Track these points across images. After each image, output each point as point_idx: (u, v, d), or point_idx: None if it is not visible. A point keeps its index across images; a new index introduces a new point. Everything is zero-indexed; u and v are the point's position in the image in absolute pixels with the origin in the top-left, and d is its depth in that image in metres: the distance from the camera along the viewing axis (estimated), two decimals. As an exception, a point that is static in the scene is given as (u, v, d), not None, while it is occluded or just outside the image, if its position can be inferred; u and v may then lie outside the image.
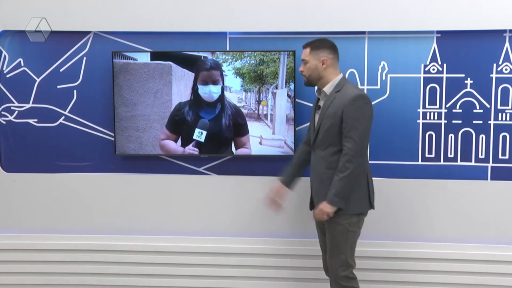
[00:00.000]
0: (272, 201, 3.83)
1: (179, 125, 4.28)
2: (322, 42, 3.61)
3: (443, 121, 4.20)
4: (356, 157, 3.42)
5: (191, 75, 4.23)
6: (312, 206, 3.71)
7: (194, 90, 4.23)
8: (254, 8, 4.22)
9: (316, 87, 3.66)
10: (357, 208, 3.55)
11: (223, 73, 4.21)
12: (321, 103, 3.60)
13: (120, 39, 4.33)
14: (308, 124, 3.91)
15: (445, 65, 4.17)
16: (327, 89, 3.56)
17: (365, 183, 3.57)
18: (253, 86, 4.21)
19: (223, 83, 4.22)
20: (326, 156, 3.53)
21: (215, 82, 4.21)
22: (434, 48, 4.16)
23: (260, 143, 4.25)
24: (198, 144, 4.27)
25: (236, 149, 4.27)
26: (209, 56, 4.21)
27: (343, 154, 3.44)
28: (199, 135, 4.25)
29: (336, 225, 3.52)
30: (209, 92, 4.21)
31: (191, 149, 4.27)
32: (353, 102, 3.44)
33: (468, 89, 4.16)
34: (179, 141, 4.29)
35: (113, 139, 4.34)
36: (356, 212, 3.55)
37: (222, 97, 4.23)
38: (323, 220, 3.51)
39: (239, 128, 4.26)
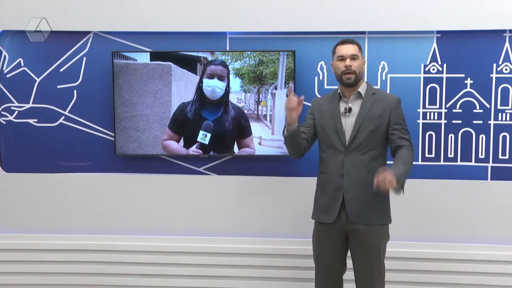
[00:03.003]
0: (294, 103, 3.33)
1: (182, 126, 4.28)
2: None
3: (443, 121, 4.20)
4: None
5: (191, 76, 4.23)
6: (339, 215, 3.39)
7: (199, 87, 4.23)
8: (254, 8, 4.22)
9: (338, 90, 3.48)
10: (390, 217, 3.52)
11: (229, 73, 4.22)
12: (350, 105, 3.42)
13: (120, 39, 4.33)
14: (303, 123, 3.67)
15: (445, 65, 4.17)
16: (362, 90, 3.44)
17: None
18: (253, 86, 4.21)
19: (228, 83, 4.22)
20: (367, 160, 3.37)
21: (221, 78, 4.21)
22: (434, 48, 4.16)
23: (260, 143, 4.25)
24: (201, 146, 4.27)
25: (239, 149, 4.27)
26: (208, 56, 4.21)
27: (407, 145, 3.37)
28: (203, 137, 4.25)
29: (384, 238, 3.47)
30: (214, 87, 4.21)
31: (195, 150, 4.27)
32: (399, 105, 3.43)
33: (468, 89, 4.17)
34: (182, 141, 4.29)
35: (113, 139, 4.35)
36: (391, 222, 3.52)
37: (226, 98, 4.23)
38: (384, 188, 3.15)
39: (242, 129, 4.26)
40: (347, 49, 3.39)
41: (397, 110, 3.40)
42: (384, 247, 3.47)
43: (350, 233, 3.43)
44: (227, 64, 4.20)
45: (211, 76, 4.21)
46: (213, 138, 4.26)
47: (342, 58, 3.38)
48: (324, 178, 3.48)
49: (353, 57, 3.38)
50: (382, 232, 3.44)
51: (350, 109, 3.42)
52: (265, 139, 4.24)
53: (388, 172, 3.15)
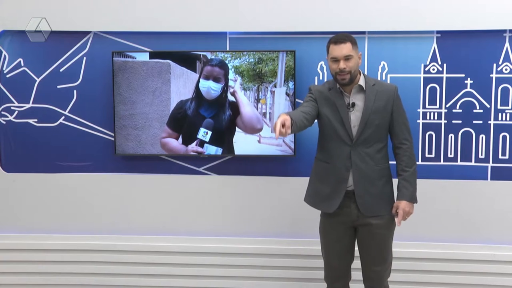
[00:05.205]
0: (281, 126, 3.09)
1: (181, 123, 4.28)
2: (354, 37, 3.39)
3: (443, 121, 4.20)
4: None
5: (190, 73, 4.23)
6: (348, 209, 3.42)
7: (197, 86, 4.24)
8: (254, 8, 4.23)
9: (337, 85, 3.40)
10: None
11: (228, 73, 4.21)
12: (352, 99, 3.37)
13: (120, 39, 4.33)
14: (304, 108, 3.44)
15: (445, 65, 4.17)
16: (362, 83, 3.39)
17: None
18: (252, 84, 4.21)
19: (225, 84, 4.22)
20: (373, 153, 3.39)
21: (216, 80, 4.21)
22: (434, 48, 4.16)
23: (259, 141, 4.25)
24: (201, 143, 4.27)
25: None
26: (208, 55, 4.22)
27: (406, 147, 3.42)
28: (204, 134, 4.25)
29: (393, 228, 3.50)
30: (208, 88, 4.21)
31: (194, 148, 4.26)
32: (398, 93, 3.44)
33: (468, 89, 4.17)
34: (180, 139, 4.29)
35: (112, 139, 4.35)
36: None
37: (224, 96, 4.22)
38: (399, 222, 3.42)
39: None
40: (340, 50, 3.29)
41: (397, 100, 3.43)
42: (392, 236, 3.53)
43: (360, 227, 3.45)
44: (227, 62, 4.20)
45: (206, 77, 4.22)
46: (213, 135, 4.26)
47: (336, 60, 3.31)
48: (325, 167, 3.45)
49: (347, 58, 3.29)
50: (391, 223, 3.48)
51: (354, 104, 3.39)
52: (265, 137, 4.24)
53: (402, 204, 3.41)
